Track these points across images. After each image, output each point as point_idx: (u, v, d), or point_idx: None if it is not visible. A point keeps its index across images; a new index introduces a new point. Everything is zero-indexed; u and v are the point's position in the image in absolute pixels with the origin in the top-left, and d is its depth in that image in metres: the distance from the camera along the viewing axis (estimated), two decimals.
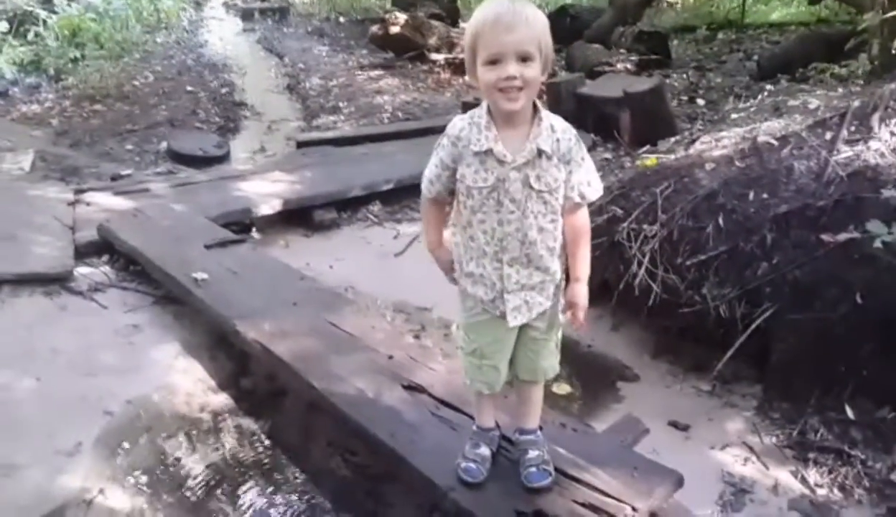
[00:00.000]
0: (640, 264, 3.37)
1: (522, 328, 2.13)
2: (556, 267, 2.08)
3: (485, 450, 2.30)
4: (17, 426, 2.92)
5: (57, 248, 4.20)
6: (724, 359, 3.14)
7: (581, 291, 2.09)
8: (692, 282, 3.26)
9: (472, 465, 2.25)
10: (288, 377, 3.02)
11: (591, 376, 3.48)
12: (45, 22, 10.01)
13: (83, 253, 4.27)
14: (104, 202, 4.95)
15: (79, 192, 5.17)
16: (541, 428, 2.33)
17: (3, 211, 4.64)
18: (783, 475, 2.76)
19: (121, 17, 10.81)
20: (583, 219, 2.09)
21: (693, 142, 4.41)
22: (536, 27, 1.88)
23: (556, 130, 1.96)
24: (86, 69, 8.93)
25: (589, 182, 2.05)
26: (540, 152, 1.93)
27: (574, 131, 2.01)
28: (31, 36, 9.89)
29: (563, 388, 3.36)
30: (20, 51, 9.63)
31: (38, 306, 3.76)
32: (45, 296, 3.84)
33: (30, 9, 10.48)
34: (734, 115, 4.87)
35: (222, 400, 3.24)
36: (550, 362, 2.22)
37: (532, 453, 2.26)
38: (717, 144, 3.96)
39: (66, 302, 3.83)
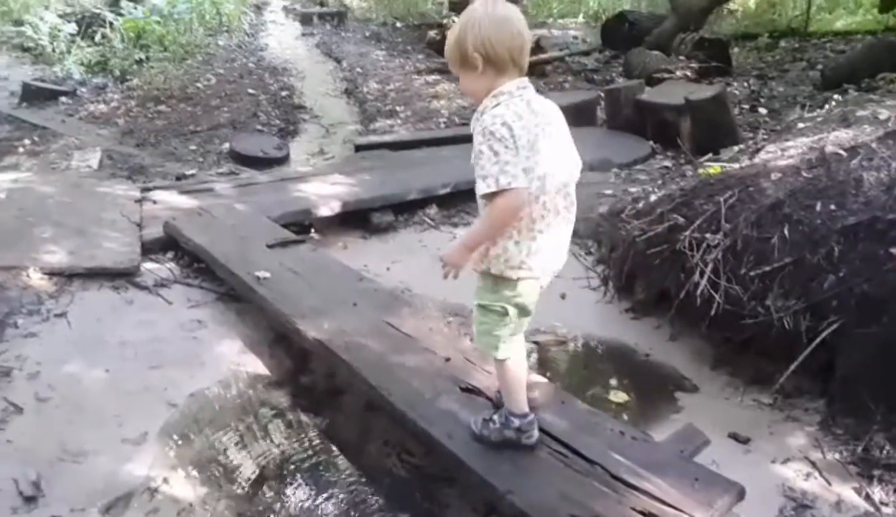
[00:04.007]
0: (702, 274, 3.32)
1: None
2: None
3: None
4: (87, 415, 3.01)
5: (124, 243, 4.32)
6: (787, 373, 3.07)
7: (451, 245, 2.30)
8: (755, 294, 3.21)
9: None
10: (347, 375, 3.06)
11: (648, 385, 3.46)
12: (111, 24, 10.35)
13: (149, 249, 4.38)
14: (170, 200, 5.07)
15: (145, 190, 5.30)
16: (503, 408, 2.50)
17: (73, 207, 4.80)
18: (846, 492, 2.69)
19: (184, 20, 11.09)
20: (491, 209, 2.13)
21: (757, 151, 4.36)
22: (450, 49, 2.20)
23: (483, 115, 2.15)
24: (150, 71, 9.16)
25: (483, 176, 2.10)
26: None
27: (486, 125, 2.10)
28: (98, 38, 10.24)
29: (620, 397, 3.34)
30: (88, 52, 9.97)
31: (106, 300, 3.87)
32: (113, 290, 3.95)
33: (97, 11, 10.85)
34: (800, 125, 4.77)
35: (281, 396, 3.30)
36: (479, 338, 2.42)
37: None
38: (782, 154, 3.90)
39: (133, 296, 3.93)
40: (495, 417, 2.47)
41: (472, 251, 2.23)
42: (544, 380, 2.94)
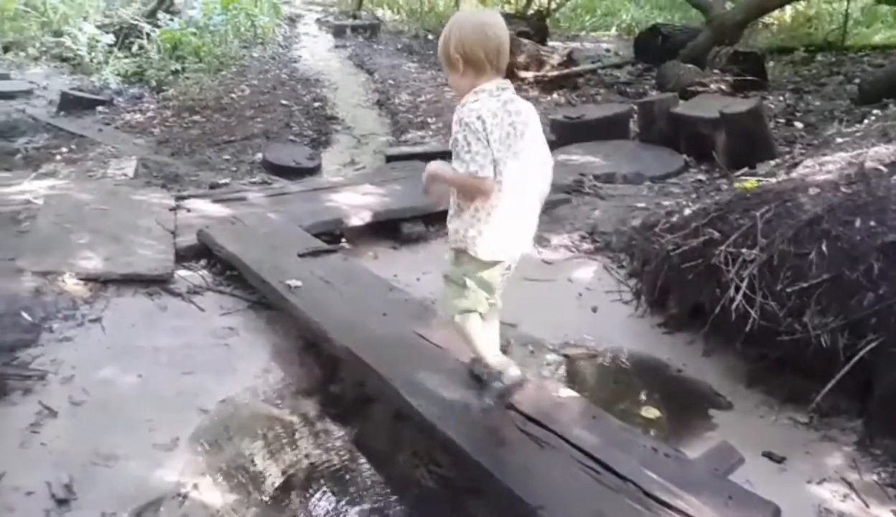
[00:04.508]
0: (737, 289, 3.27)
1: None
2: (455, 216, 2.54)
3: None
4: (119, 419, 3.04)
5: (159, 251, 4.37)
6: (823, 391, 3.01)
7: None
8: (792, 310, 3.15)
9: None
10: (376, 385, 3.06)
11: (681, 402, 3.40)
12: (148, 35, 10.53)
13: (183, 257, 4.42)
14: (203, 209, 5.12)
15: (180, 198, 5.36)
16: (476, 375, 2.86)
17: (109, 214, 4.85)
18: (885, 515, 2.63)
19: (220, 32, 11.25)
20: (463, 177, 2.39)
21: (795, 165, 4.28)
22: (439, 51, 2.47)
23: (463, 108, 2.40)
24: (186, 81, 9.29)
25: (461, 161, 2.37)
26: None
27: (463, 117, 2.37)
28: (135, 49, 10.42)
29: (652, 413, 3.30)
30: (125, 62, 10.14)
31: (140, 306, 3.91)
32: (147, 296, 3.99)
33: (135, 23, 11.05)
34: (838, 140, 4.69)
35: (310, 404, 3.30)
36: (442, 305, 2.84)
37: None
38: (820, 169, 3.83)
39: (167, 303, 3.97)
40: (486, 384, 2.69)
41: (436, 181, 2.53)
42: (575, 394, 2.91)
